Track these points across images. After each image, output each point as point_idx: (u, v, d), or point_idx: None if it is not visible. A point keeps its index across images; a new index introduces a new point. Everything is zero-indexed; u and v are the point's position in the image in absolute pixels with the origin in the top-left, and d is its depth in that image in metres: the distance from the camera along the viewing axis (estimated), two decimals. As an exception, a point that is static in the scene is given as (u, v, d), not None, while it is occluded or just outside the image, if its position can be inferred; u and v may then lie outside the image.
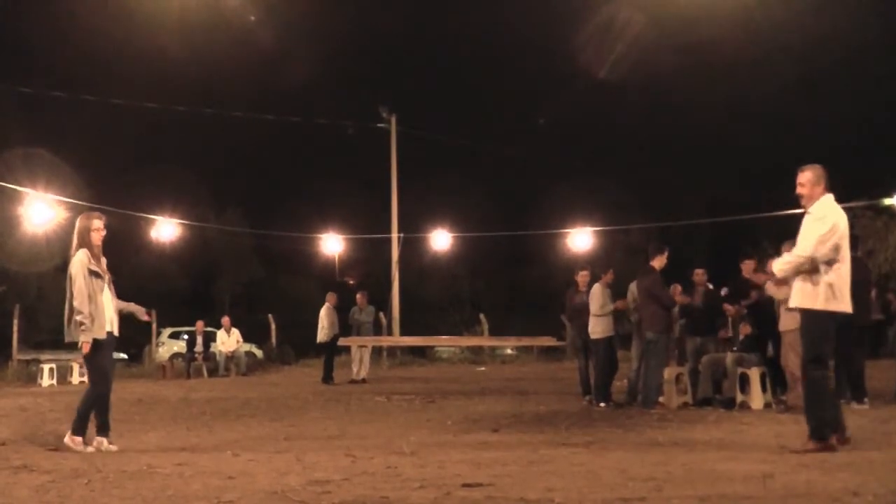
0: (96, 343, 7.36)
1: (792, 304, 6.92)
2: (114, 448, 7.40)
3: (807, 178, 6.88)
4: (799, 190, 6.92)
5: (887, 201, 25.59)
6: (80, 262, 7.39)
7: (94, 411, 7.54)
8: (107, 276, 7.55)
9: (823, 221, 6.67)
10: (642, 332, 11.09)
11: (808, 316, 6.70)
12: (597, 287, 11.53)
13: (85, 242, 7.50)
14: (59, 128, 42.25)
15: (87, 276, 7.36)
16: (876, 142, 42.43)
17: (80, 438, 7.42)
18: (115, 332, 7.63)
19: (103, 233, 7.62)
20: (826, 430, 6.54)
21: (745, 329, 10.79)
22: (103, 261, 7.61)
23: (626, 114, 57.22)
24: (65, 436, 7.50)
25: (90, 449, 7.35)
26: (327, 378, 17.47)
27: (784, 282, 9.61)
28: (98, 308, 7.38)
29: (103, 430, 7.52)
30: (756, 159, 49.71)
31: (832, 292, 6.61)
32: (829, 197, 6.83)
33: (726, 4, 20.59)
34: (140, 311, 8.09)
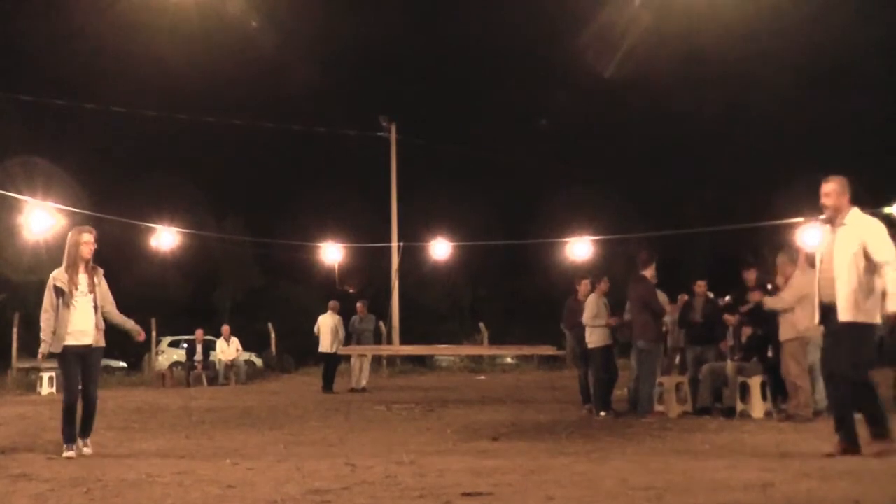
0: (61, 355, 7.62)
1: (860, 319, 6.66)
2: (72, 453, 7.52)
3: (833, 188, 6.85)
4: (825, 201, 6.88)
5: (887, 210, 25.58)
6: (50, 279, 7.70)
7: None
8: (86, 290, 7.73)
9: (882, 227, 6.69)
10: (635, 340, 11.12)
11: (866, 328, 6.67)
12: (592, 297, 11.53)
13: (73, 256, 7.73)
14: (59, 136, 42.32)
15: (52, 292, 7.64)
16: (876, 149, 42.49)
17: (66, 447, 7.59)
18: (102, 344, 7.80)
19: (93, 246, 7.84)
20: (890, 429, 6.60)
21: (747, 331, 10.74)
22: (99, 271, 7.84)
23: (625, 122, 57.28)
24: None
25: (71, 453, 7.51)
26: (328, 387, 17.45)
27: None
28: (61, 322, 7.60)
29: (84, 434, 7.75)
30: (755, 166, 49.85)
31: (876, 300, 6.64)
32: (857, 209, 6.86)
33: (725, 12, 20.63)
34: (135, 331, 8.22)
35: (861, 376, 6.68)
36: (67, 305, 7.62)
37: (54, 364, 20.95)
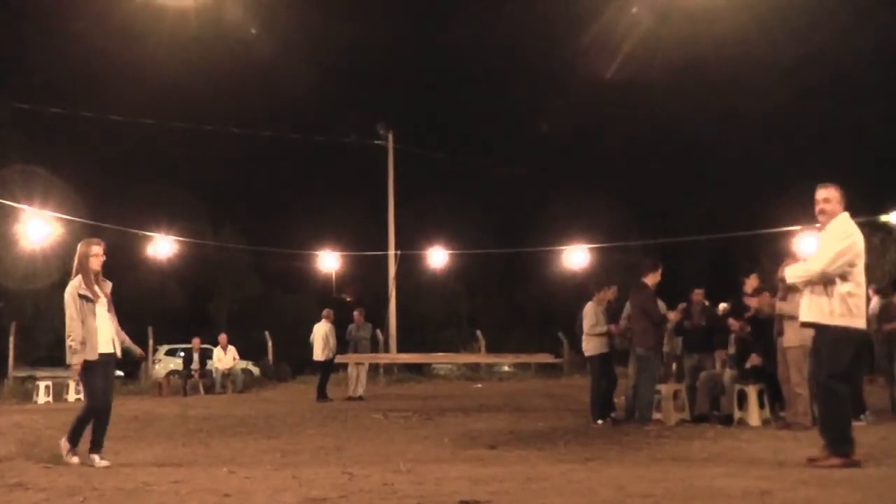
0: (88, 363, 7.61)
1: (804, 318, 6.91)
2: (105, 463, 7.55)
3: (831, 195, 6.92)
4: (822, 206, 6.93)
5: (884, 218, 25.59)
6: (72, 287, 7.72)
7: (90, 427, 7.74)
8: (105, 300, 7.84)
9: (844, 239, 6.73)
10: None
11: (824, 331, 6.74)
12: (589, 305, 11.54)
13: (84, 268, 7.80)
14: (56, 144, 42.23)
15: (78, 300, 7.65)
16: (873, 157, 42.53)
17: (70, 450, 7.67)
18: (118, 353, 7.91)
19: (102, 258, 7.91)
20: (848, 447, 6.56)
21: (755, 360, 10.64)
22: (108, 284, 7.94)
23: (622, 129, 57.33)
24: (62, 453, 7.63)
25: (75, 460, 7.58)
26: (320, 395, 17.40)
27: (793, 292, 9.69)
28: (89, 330, 7.64)
29: (96, 447, 7.71)
30: (752, 174, 49.90)
31: (847, 308, 6.66)
32: (846, 215, 6.89)
33: (722, 20, 20.68)
34: (135, 350, 8.27)
35: (828, 382, 6.69)
36: (93, 314, 7.70)
37: (51, 373, 21.14)
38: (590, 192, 41.06)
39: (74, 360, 7.57)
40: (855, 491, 5.44)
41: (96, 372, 7.72)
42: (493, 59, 61.65)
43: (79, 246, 7.95)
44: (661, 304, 11.31)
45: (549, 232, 32.66)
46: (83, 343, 7.57)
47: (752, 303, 10.65)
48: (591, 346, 11.45)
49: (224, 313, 44.35)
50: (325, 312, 18.56)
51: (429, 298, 45.54)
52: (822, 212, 6.93)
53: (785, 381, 9.88)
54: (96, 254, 7.85)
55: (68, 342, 7.59)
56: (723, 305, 12.00)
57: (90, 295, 7.71)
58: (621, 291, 12.15)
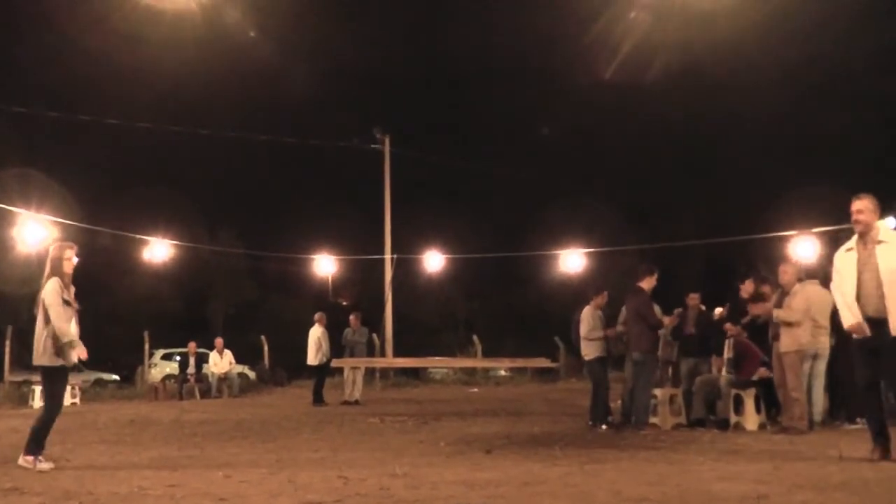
0: (62, 369, 7.62)
1: None
2: (49, 465, 7.51)
3: (866, 206, 7.00)
4: (858, 217, 7.03)
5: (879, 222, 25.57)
6: (54, 290, 7.61)
7: (33, 431, 7.70)
8: (73, 307, 7.76)
9: None
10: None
11: None
12: (587, 310, 11.55)
13: (57, 271, 7.71)
14: (53, 148, 42.23)
15: (62, 304, 7.59)
16: (871, 162, 42.53)
17: (31, 458, 7.55)
18: (74, 361, 7.86)
19: (75, 262, 7.86)
20: None
21: (764, 373, 10.59)
22: (72, 290, 7.83)
23: (619, 134, 57.37)
24: (55, 457, 7.63)
25: (46, 465, 7.48)
26: (316, 400, 17.38)
27: (789, 298, 9.69)
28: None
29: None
30: (749, 179, 49.96)
31: None
32: (884, 224, 7.00)
33: (720, 25, 20.72)
34: (81, 352, 7.99)
35: None
36: (69, 320, 7.64)
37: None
38: (586, 196, 41.13)
39: (80, 352, 7.60)
40: (852, 495, 5.44)
41: (63, 378, 7.76)
42: (492, 63, 61.70)
43: (51, 249, 7.85)
44: (658, 309, 11.32)
45: (546, 236, 32.69)
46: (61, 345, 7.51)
47: (756, 310, 10.59)
48: (588, 350, 11.47)
49: (220, 317, 44.34)
50: (317, 316, 18.50)
51: (425, 302, 45.54)
52: (858, 222, 7.03)
53: (781, 386, 9.88)
54: (69, 258, 7.78)
55: (63, 340, 7.47)
56: (719, 310, 11.99)
57: (70, 301, 7.68)
58: (618, 296, 12.16)
